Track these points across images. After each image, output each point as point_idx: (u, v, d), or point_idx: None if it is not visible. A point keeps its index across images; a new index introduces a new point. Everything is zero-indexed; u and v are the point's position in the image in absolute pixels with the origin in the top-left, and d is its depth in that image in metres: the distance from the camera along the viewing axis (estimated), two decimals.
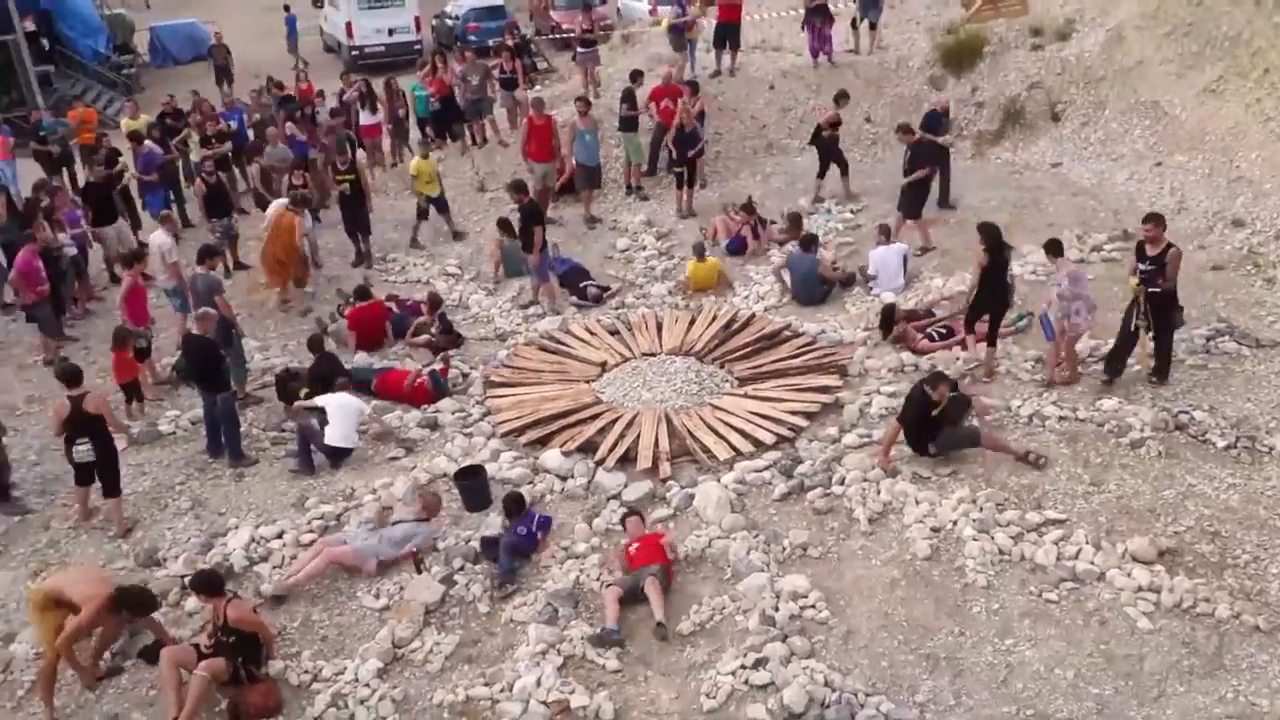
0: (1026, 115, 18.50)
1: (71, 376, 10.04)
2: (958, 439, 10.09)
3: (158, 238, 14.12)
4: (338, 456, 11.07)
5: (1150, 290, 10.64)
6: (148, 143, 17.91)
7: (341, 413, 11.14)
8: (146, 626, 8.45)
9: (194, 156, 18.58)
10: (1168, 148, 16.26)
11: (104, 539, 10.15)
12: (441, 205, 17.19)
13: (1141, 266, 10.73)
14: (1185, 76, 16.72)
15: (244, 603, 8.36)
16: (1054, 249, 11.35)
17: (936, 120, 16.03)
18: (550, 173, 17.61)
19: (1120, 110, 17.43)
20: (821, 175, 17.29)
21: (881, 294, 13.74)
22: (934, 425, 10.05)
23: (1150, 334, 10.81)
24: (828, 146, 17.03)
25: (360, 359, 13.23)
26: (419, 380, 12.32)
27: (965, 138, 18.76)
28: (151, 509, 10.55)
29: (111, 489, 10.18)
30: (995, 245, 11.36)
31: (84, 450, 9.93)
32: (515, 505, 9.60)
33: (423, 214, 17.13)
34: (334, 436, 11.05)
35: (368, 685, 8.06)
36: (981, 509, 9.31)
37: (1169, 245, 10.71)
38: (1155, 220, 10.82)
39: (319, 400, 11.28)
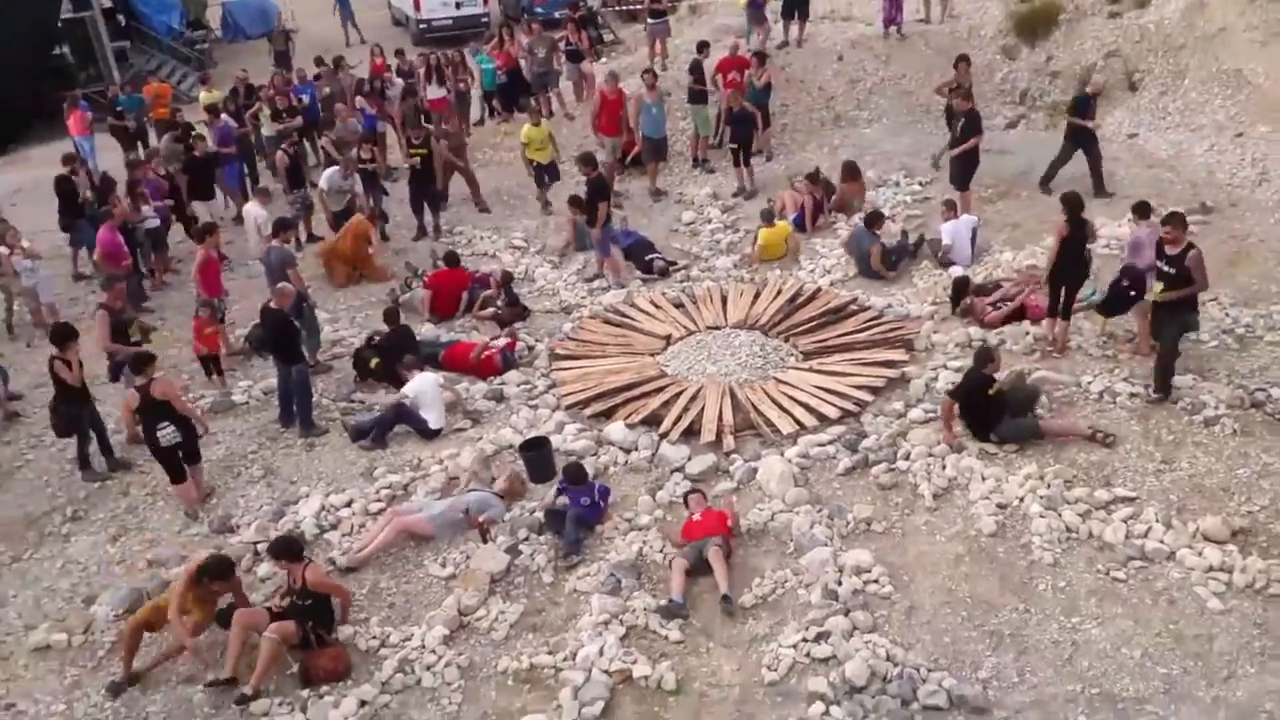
0: (1103, 84, 18.06)
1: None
2: (1019, 431, 9.91)
3: (253, 209, 14.54)
4: (433, 437, 11.22)
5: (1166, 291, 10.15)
6: (224, 116, 18.25)
7: (430, 395, 11.31)
8: (229, 590, 8.65)
9: (265, 130, 18.85)
10: (1250, 118, 15.81)
11: (181, 505, 10.41)
12: (553, 173, 17.32)
13: (1160, 266, 10.27)
14: (1269, 44, 16.22)
15: (320, 567, 8.55)
16: (1140, 210, 11.42)
17: (1085, 104, 15.15)
18: (618, 146, 17.64)
19: (1200, 79, 16.97)
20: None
21: (952, 268, 13.55)
22: (994, 408, 9.91)
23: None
24: (955, 117, 15.63)
25: (428, 331, 13.37)
26: (486, 353, 12.44)
27: (1039, 108, 18.40)
28: (225, 477, 10.81)
29: (192, 457, 10.42)
30: (1076, 216, 11.11)
31: (168, 434, 9.99)
32: (578, 474, 9.67)
33: (538, 180, 17.31)
34: (434, 420, 11.22)
35: (434, 651, 8.20)
36: (1049, 486, 9.20)
37: (1189, 246, 10.10)
38: (1175, 221, 10.19)
39: (407, 390, 11.39)
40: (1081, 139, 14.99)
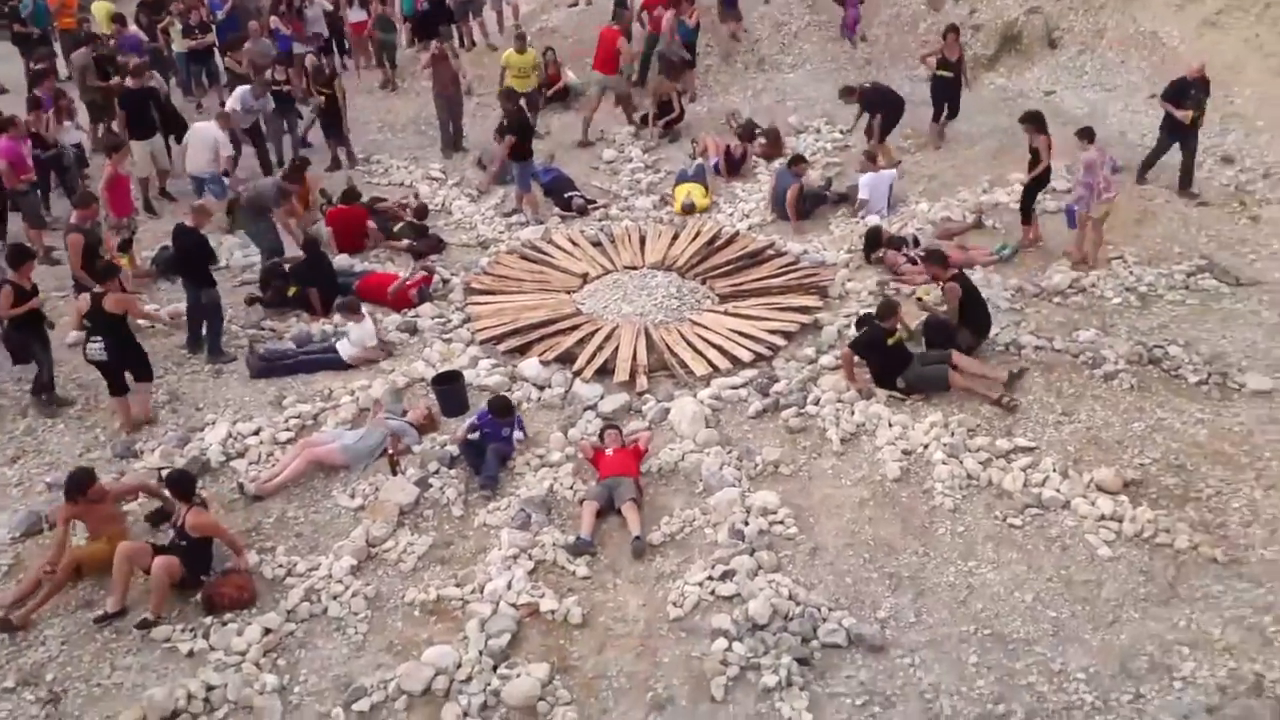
0: (1023, 40, 18.31)
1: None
2: (926, 378, 10.08)
3: (211, 129, 14.04)
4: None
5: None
6: (132, 27, 17.46)
7: (367, 343, 11.18)
8: (103, 506, 8.49)
9: (176, 47, 18.11)
10: (1163, 80, 16.05)
11: (81, 429, 10.17)
12: (533, 102, 16.72)
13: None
14: (1185, 8, 16.56)
15: (205, 512, 8.33)
16: (1084, 134, 12.10)
17: (1183, 90, 13.47)
18: (619, 84, 17.36)
19: (1118, 39, 17.28)
20: (936, 119, 15.93)
21: (868, 217, 13.69)
22: (896, 358, 10.09)
23: None
24: (943, 86, 15.71)
25: (342, 260, 13.13)
26: (404, 288, 12.25)
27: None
28: None
29: (143, 375, 10.22)
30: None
31: (96, 349, 9.80)
32: (505, 407, 9.62)
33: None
34: (348, 356, 11.08)
35: (341, 582, 8.16)
36: (953, 434, 9.41)
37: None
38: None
39: (349, 338, 11.18)
40: (1178, 130, 13.59)
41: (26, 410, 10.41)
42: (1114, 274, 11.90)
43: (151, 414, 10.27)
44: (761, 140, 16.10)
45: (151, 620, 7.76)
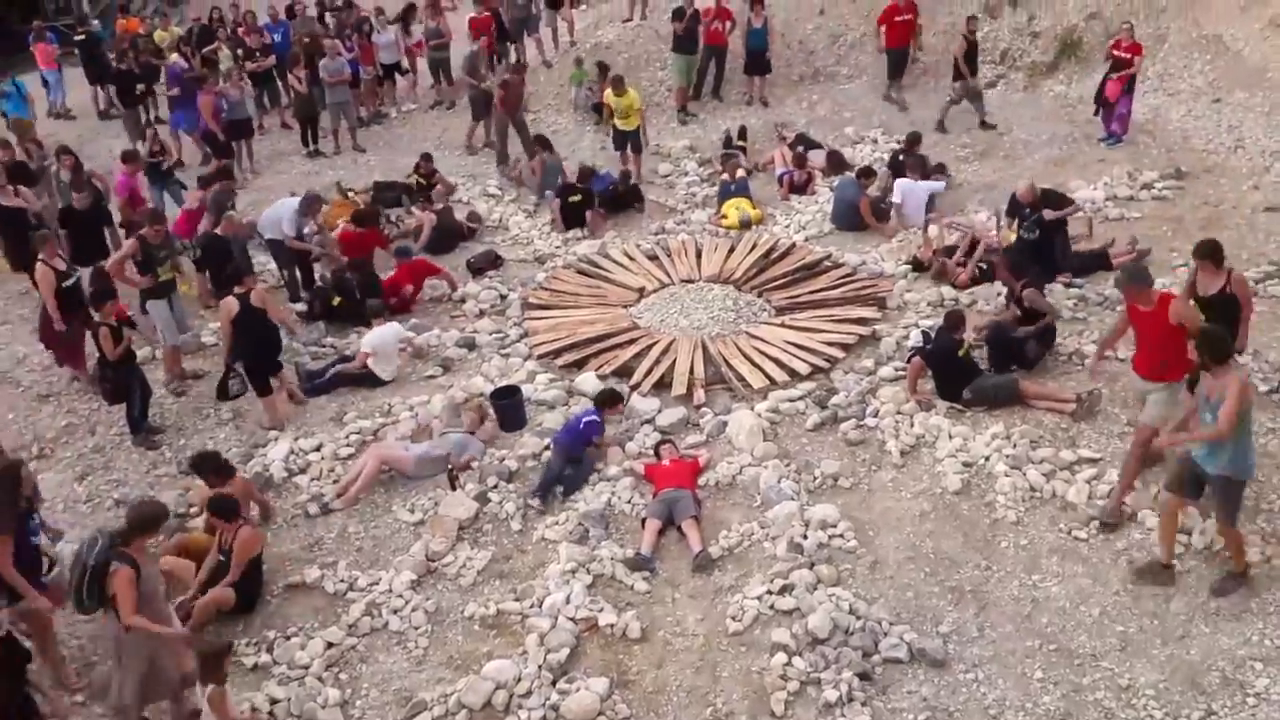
0: (1083, 47, 18.04)
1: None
2: (994, 390, 9.93)
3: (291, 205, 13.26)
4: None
5: None
6: (174, 56, 17.91)
7: (389, 348, 11.28)
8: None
9: (224, 68, 18.32)
10: (1228, 84, 15.85)
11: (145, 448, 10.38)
12: (636, 143, 16.09)
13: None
14: (1250, 10, 16.23)
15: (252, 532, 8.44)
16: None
17: (1014, 209, 12.16)
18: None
19: (1181, 44, 16.98)
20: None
21: (905, 228, 13.73)
22: (964, 370, 9.97)
23: None
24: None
25: None
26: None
27: (1018, 69, 18.38)
28: (194, 418, 10.77)
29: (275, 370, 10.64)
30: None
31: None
32: (612, 398, 9.93)
33: (618, 145, 16.29)
34: (386, 374, 11.18)
35: (401, 596, 8.24)
36: (1015, 445, 9.28)
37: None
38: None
39: (365, 343, 11.33)
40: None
41: (95, 428, 10.65)
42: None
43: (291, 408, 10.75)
44: (818, 165, 15.93)
45: None
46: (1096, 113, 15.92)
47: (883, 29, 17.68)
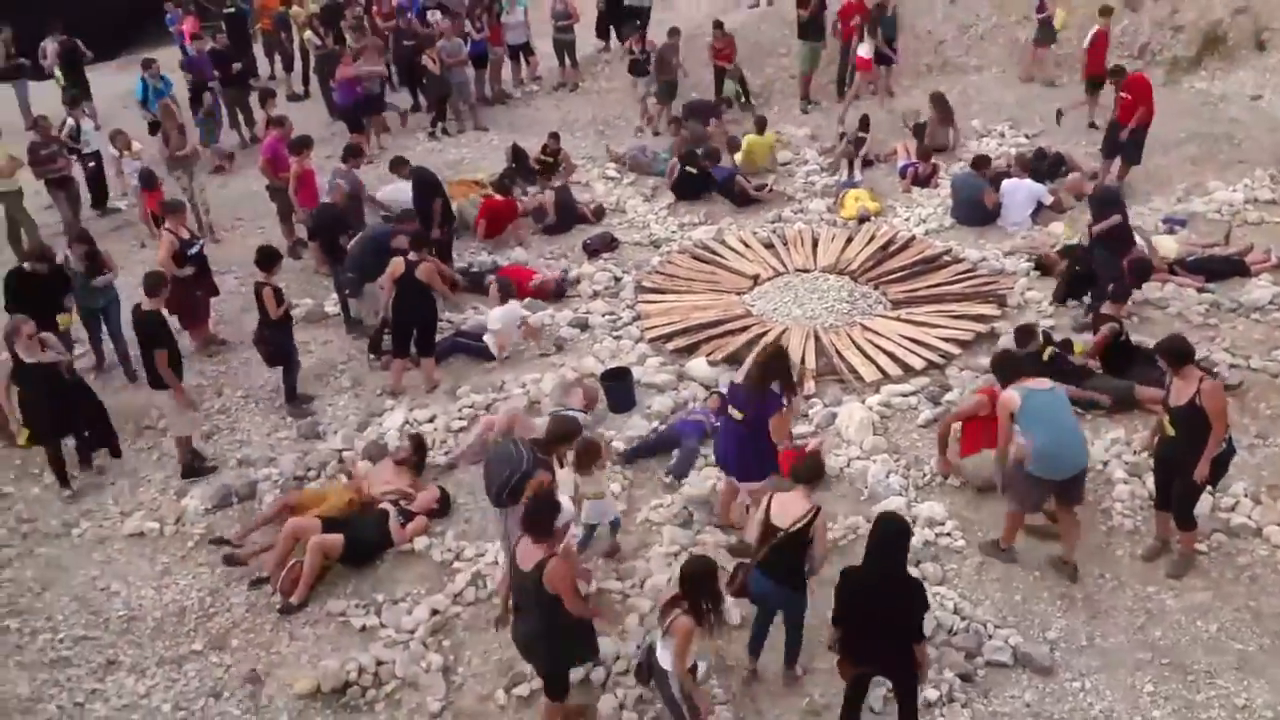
0: (1228, 41, 17.28)
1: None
2: (1111, 389, 9.70)
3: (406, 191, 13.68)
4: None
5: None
6: (308, 34, 18.34)
7: (509, 325, 11.41)
8: None
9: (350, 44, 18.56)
10: None
11: (271, 410, 10.74)
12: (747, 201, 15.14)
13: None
14: None
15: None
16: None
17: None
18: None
19: None
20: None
21: (1007, 228, 13.48)
22: (1064, 375, 9.45)
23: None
24: None
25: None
26: (543, 282, 12.67)
27: (1159, 64, 17.65)
28: (316, 385, 11.09)
29: (426, 349, 10.91)
30: None
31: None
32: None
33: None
34: (498, 350, 11.35)
35: None
36: (1136, 452, 9.01)
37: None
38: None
39: (491, 320, 11.45)
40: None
41: (222, 389, 11.05)
42: None
43: (438, 379, 10.99)
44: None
45: (295, 605, 8.18)
46: None
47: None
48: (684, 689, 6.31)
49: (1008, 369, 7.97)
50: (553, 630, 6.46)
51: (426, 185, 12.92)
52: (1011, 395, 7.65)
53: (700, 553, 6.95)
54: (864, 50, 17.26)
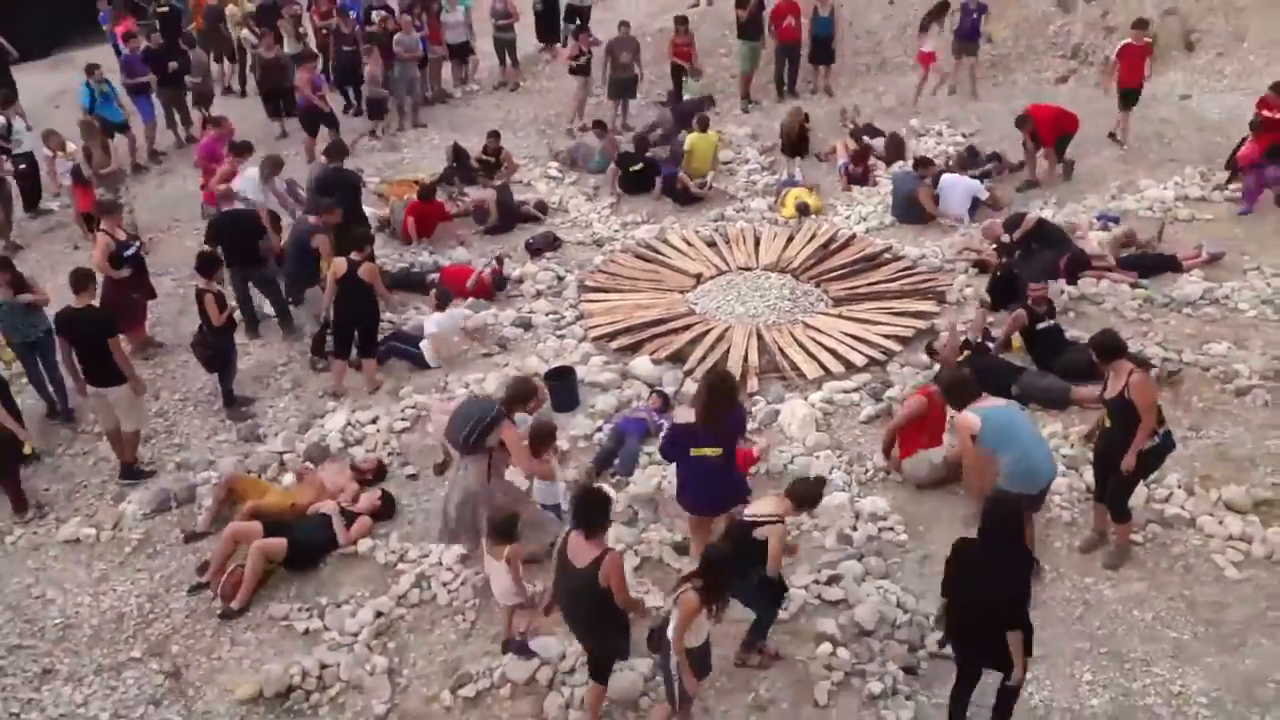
0: (1158, 43, 17.64)
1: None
2: (1046, 392, 9.85)
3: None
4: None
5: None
6: (244, 32, 18.12)
7: (449, 332, 11.36)
8: None
9: (287, 49, 18.17)
10: None
11: (209, 413, 10.57)
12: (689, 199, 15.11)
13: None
14: None
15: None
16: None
17: None
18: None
19: (1261, 43, 16.60)
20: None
21: (946, 223, 13.74)
22: (995, 375, 9.65)
23: None
24: None
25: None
26: (480, 279, 12.57)
27: (1090, 64, 18.00)
28: (255, 387, 10.94)
29: (368, 350, 10.77)
30: None
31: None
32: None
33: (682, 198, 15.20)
34: (433, 360, 11.26)
35: (450, 569, 8.31)
36: (1072, 445, 9.17)
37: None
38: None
39: (430, 325, 11.37)
40: None
41: (159, 393, 10.85)
42: (1250, 285, 11.43)
43: (380, 382, 10.88)
44: (877, 143, 15.85)
45: (235, 610, 8.05)
46: (1230, 180, 13.84)
47: None
48: (679, 664, 6.34)
49: (961, 392, 7.88)
50: (599, 624, 6.65)
51: (348, 187, 12.63)
52: (970, 419, 7.65)
53: (720, 546, 6.83)
54: (927, 45, 17.41)
